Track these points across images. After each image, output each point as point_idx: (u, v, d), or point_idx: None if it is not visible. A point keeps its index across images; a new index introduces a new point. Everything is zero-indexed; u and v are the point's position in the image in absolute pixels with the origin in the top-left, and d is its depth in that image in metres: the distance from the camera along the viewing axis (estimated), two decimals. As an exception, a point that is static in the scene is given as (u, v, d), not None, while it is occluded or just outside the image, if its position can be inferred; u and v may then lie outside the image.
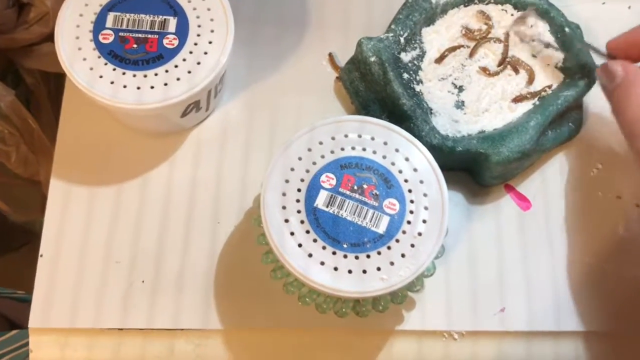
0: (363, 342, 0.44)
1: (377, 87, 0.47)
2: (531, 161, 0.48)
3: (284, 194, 0.40)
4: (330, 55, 0.52)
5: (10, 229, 0.81)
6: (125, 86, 0.42)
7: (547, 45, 0.48)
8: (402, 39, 0.48)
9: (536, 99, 0.48)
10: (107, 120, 0.48)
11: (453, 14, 0.51)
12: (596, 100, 0.50)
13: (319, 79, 0.51)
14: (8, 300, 0.65)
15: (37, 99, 0.60)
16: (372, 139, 0.42)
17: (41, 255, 0.44)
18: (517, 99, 0.48)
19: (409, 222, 0.40)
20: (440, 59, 0.49)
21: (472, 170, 0.48)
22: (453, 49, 0.49)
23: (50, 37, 0.55)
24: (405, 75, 0.48)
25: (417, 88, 0.48)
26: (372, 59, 0.46)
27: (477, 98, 0.48)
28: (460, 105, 0.48)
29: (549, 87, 0.48)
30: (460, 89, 0.49)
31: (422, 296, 0.45)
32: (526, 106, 0.48)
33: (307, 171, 0.40)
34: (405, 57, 0.49)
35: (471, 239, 0.47)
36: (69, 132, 0.48)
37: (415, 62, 0.49)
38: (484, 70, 0.49)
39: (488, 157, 0.45)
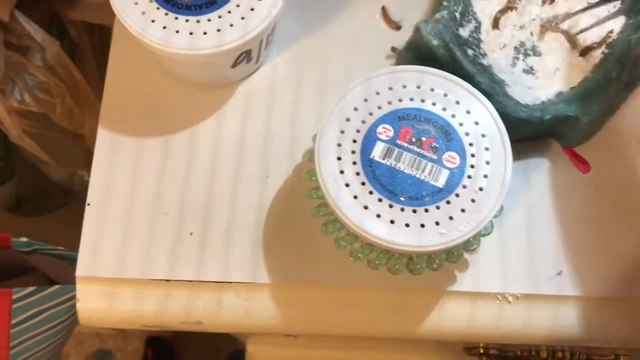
0: (414, 301, 0.43)
1: (444, 70, 0.44)
2: (614, 113, 0.46)
3: (339, 145, 0.38)
4: (383, 8, 0.50)
5: (49, 190, 0.81)
6: (177, 31, 0.41)
7: None
8: (457, 15, 0.46)
9: (603, 46, 0.45)
10: (155, 71, 0.47)
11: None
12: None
13: (371, 34, 0.49)
14: (49, 258, 0.65)
15: (82, 53, 0.59)
16: (432, 90, 0.40)
17: (88, 204, 0.44)
18: (585, 52, 0.45)
19: (469, 177, 0.38)
20: (495, 23, 0.47)
21: (556, 134, 0.46)
22: (504, 10, 0.47)
23: (96, -12, 0.54)
24: (470, 51, 0.45)
25: (484, 62, 0.46)
26: (435, 42, 0.44)
27: (544, 59, 0.46)
28: (529, 70, 0.46)
29: (611, 32, 0.46)
30: (525, 53, 0.46)
31: (477, 258, 0.44)
32: (596, 56, 0.45)
33: (363, 122, 0.39)
34: (464, 32, 0.46)
35: (528, 201, 0.45)
36: (116, 81, 0.47)
37: (474, 35, 0.47)
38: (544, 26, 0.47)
39: (579, 119, 0.43)
